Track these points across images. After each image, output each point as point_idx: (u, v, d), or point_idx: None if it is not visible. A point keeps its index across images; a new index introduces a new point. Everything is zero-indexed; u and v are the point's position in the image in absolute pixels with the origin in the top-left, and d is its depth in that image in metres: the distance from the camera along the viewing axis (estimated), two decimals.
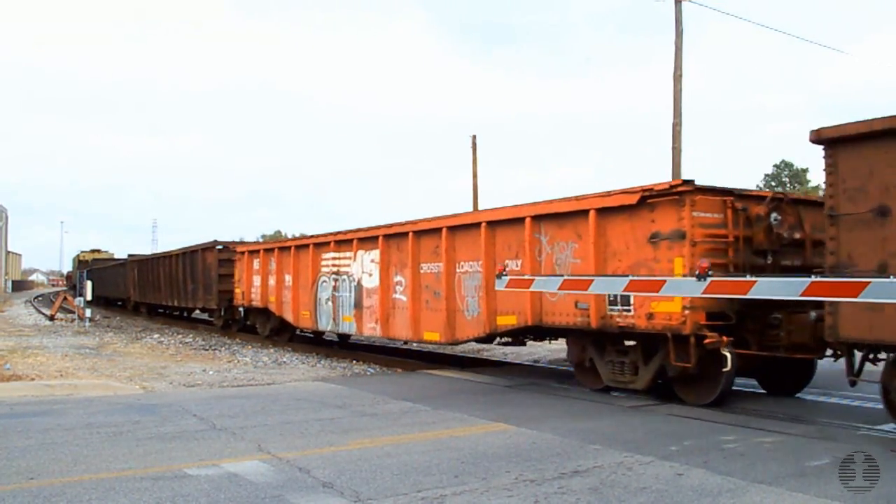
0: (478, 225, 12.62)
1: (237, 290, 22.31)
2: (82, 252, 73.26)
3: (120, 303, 46.72)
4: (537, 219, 11.52)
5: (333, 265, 16.95)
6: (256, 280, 20.83)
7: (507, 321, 12.08)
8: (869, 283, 5.99)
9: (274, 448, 7.31)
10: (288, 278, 19.00)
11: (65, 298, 35.73)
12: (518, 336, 13.19)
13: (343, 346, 19.64)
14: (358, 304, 15.89)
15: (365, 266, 15.72)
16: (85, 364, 15.70)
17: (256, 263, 20.94)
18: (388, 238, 15.05)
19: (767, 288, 6.84)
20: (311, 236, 18.48)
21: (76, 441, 7.69)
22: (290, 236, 35.33)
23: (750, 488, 5.79)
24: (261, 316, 21.29)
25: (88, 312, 29.04)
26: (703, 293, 7.17)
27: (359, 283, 15.94)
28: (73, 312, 31.59)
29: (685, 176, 24.10)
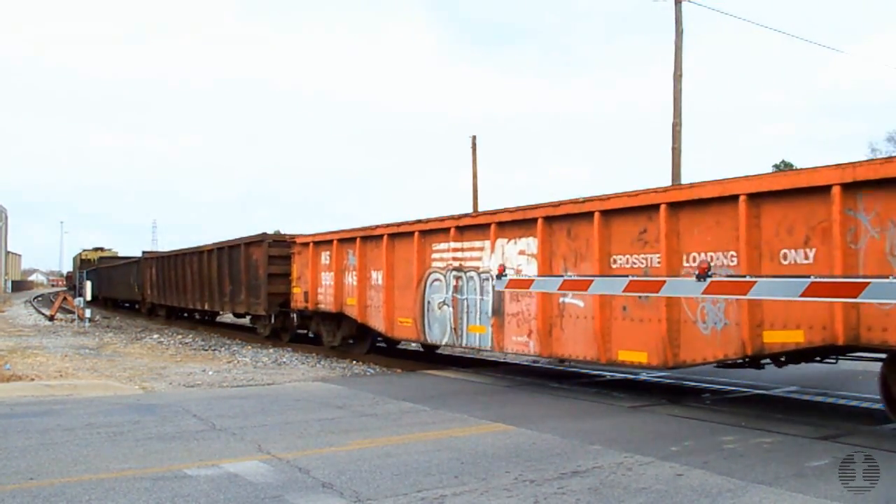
0: (728, 199, 8.88)
1: (296, 291, 18.78)
2: (84, 251, 69.51)
3: (129, 304, 42.95)
4: (852, 188, 7.77)
5: (454, 258, 13.24)
6: (326, 278, 17.23)
7: (785, 338, 8.46)
8: (869, 283, 5.99)
9: (274, 448, 7.31)
10: (376, 276, 15.37)
11: (64, 298, 35.72)
12: (802, 358, 9.41)
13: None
14: (497, 311, 12.15)
15: (510, 259, 12.08)
16: (85, 364, 15.69)
17: (326, 257, 17.30)
18: (552, 221, 11.33)
19: (767, 288, 6.84)
20: (416, 221, 14.29)
21: (76, 441, 7.69)
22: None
23: (750, 488, 5.79)
24: (328, 322, 17.91)
25: (88, 313, 29.03)
26: (703, 293, 7.17)
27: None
28: (73, 313, 31.58)
29: (685, 176, 24.09)
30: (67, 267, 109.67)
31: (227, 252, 22.60)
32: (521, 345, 11.82)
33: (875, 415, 9.27)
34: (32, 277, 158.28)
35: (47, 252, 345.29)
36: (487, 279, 12.42)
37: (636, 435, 7.91)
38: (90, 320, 29.53)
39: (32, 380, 13.03)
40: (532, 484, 5.97)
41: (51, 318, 32.21)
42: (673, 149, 23.31)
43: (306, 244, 18.27)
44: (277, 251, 19.70)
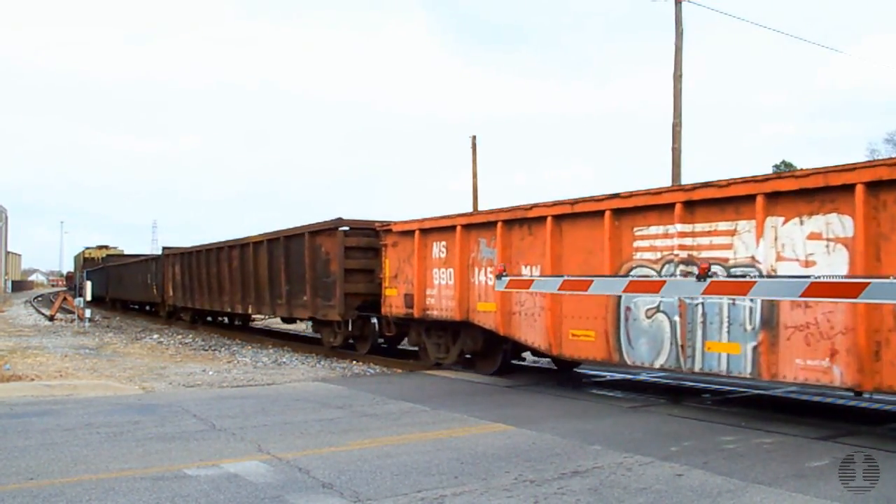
0: None
1: (390, 293, 14.95)
2: (87, 249, 65.16)
3: (139, 307, 38.85)
4: None
5: (679, 246, 9.60)
6: (441, 276, 13.47)
7: None
8: (869, 283, 5.98)
9: (274, 448, 7.30)
10: (530, 272, 11.63)
11: (64, 299, 35.72)
12: None
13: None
14: (767, 321, 8.53)
15: (791, 246, 8.48)
16: (85, 364, 15.69)
17: (441, 249, 13.58)
18: (882, 189, 7.70)
19: (767, 289, 6.84)
20: (608, 197, 10.48)
21: (76, 441, 7.69)
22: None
23: (750, 489, 5.79)
24: (439, 333, 14.14)
25: (88, 313, 29.02)
26: (703, 293, 7.16)
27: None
28: (73, 313, 31.57)
29: (686, 176, 24.01)
30: (67, 267, 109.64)
31: (283, 244, 18.55)
32: (814, 371, 8.11)
33: (875, 415, 9.28)
34: (32, 277, 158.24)
35: (47, 252, 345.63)
36: (744, 275, 8.81)
37: (636, 435, 7.91)
38: (90, 320, 29.52)
39: (32, 380, 13.03)
40: (532, 484, 5.97)
41: (51, 318, 32.21)
42: (673, 149, 23.30)
43: (408, 233, 14.34)
44: (357, 241, 16.19)
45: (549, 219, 11.21)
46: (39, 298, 67.33)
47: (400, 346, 17.81)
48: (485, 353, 13.17)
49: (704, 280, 6.96)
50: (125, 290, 39.88)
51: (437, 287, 13.78)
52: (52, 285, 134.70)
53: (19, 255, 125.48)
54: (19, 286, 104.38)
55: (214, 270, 23.90)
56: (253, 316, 23.27)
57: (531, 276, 11.48)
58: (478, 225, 12.78)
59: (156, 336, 24.53)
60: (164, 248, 31.34)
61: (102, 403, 10.27)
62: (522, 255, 11.89)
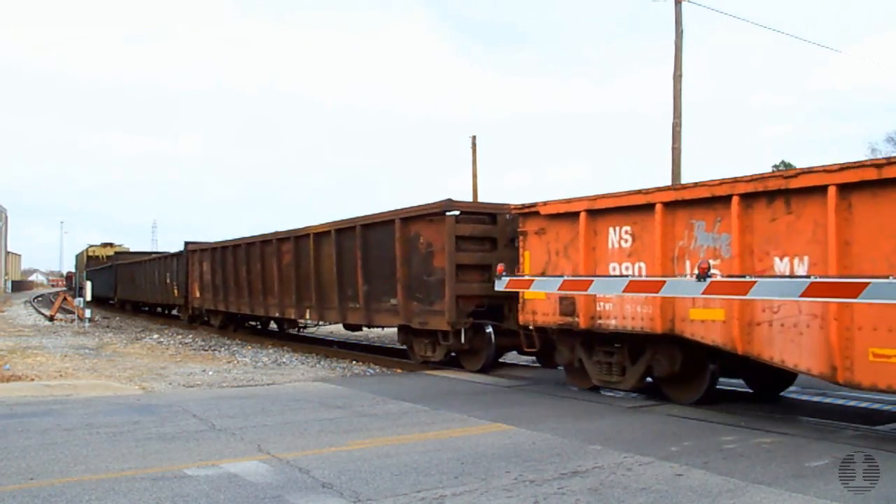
0: None
1: (532, 297, 11.38)
2: (91, 246, 60.82)
3: (151, 308, 36.22)
4: None
5: None
6: (623, 272, 10.23)
7: None
8: (869, 283, 5.98)
9: (274, 448, 7.30)
10: (787, 267, 8.55)
11: (64, 299, 35.73)
12: None
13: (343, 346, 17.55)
14: None
15: None
16: (84, 364, 15.69)
17: (620, 236, 10.29)
18: None
19: (767, 288, 6.82)
20: None
21: (76, 441, 7.69)
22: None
23: (750, 489, 5.79)
24: (609, 350, 10.70)
25: (88, 313, 29.01)
26: (703, 293, 7.14)
27: None
28: (73, 313, 31.55)
29: (685, 176, 23.91)
30: (67, 267, 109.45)
31: (360, 234, 15.22)
32: None
33: (875, 415, 9.27)
34: (32, 277, 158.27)
35: (47, 252, 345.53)
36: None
37: (636, 435, 7.91)
38: (90, 320, 29.52)
39: (32, 380, 13.03)
40: (532, 484, 5.97)
41: (51, 319, 32.21)
42: (673, 149, 23.30)
43: (565, 216, 10.90)
44: (471, 229, 13.12)
45: (831, 189, 8.01)
46: (39, 298, 67.34)
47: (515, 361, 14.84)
48: (682, 375, 9.94)
49: (704, 280, 6.95)
50: (137, 290, 36.37)
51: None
52: (52, 285, 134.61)
53: (19, 255, 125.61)
54: (19, 286, 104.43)
55: (257, 268, 20.40)
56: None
57: (782, 270, 8.60)
58: (692, 202, 9.45)
59: (156, 336, 24.52)
60: (187, 243, 27.27)
61: (102, 403, 10.26)
62: (774, 241, 8.67)
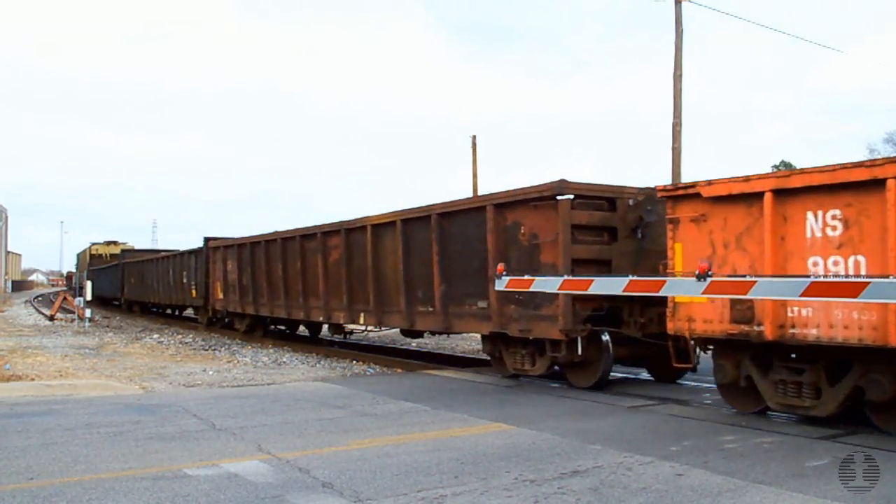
0: None
1: (690, 300, 8.99)
2: (94, 244, 57.08)
3: (161, 310, 34.33)
4: None
5: None
6: (829, 269, 8.06)
7: None
8: (869, 283, 5.97)
9: (274, 448, 7.30)
10: None
11: (65, 298, 35.72)
12: None
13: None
14: None
15: None
16: (85, 364, 15.69)
17: (825, 223, 8.16)
18: None
19: (767, 288, 6.82)
20: None
21: (76, 441, 7.69)
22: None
23: (750, 488, 5.79)
24: (798, 369, 8.52)
25: (88, 312, 29.01)
26: (703, 293, 7.13)
27: None
28: (73, 312, 31.55)
29: (685, 176, 23.91)
30: (68, 267, 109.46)
31: (436, 224, 12.91)
32: None
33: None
34: (32, 277, 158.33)
35: (47, 252, 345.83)
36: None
37: (636, 435, 7.91)
38: (90, 320, 29.52)
39: (32, 380, 13.03)
40: (532, 484, 5.97)
41: (51, 318, 32.22)
42: (673, 148, 23.31)
43: (740, 198, 8.86)
44: (587, 216, 10.98)
45: None
46: (39, 298, 67.35)
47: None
48: None
49: (704, 280, 6.94)
50: (147, 290, 33.71)
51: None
52: (52, 285, 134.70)
53: (19, 255, 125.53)
54: (19, 286, 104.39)
55: (296, 266, 17.97)
56: (348, 327, 17.26)
57: None
58: None
59: (156, 336, 24.53)
60: (207, 239, 24.76)
61: (102, 403, 10.27)
62: None
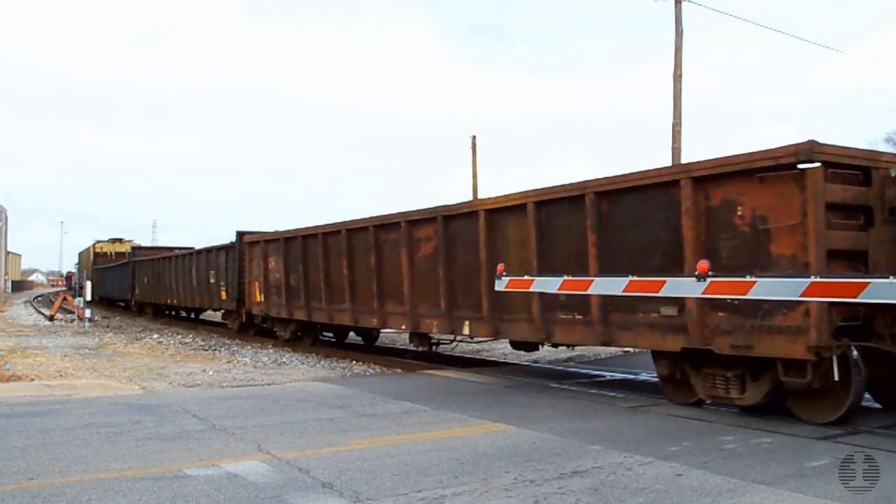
0: None
1: None
2: (98, 242, 53.38)
3: (177, 312, 32.02)
4: None
5: None
6: None
7: None
8: (869, 283, 5.98)
9: (274, 448, 7.30)
10: None
11: (64, 298, 35.72)
12: None
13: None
14: None
15: None
16: (84, 364, 15.69)
17: None
18: None
19: (767, 288, 6.82)
20: None
21: (76, 441, 7.69)
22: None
23: (750, 489, 5.79)
24: None
25: (88, 313, 29.01)
26: (703, 293, 7.13)
27: None
28: (73, 313, 31.54)
29: None
30: (68, 267, 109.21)
31: (594, 206, 10.14)
32: None
33: (874, 415, 9.26)
34: (32, 277, 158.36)
35: (47, 252, 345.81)
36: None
37: (636, 435, 7.91)
38: (90, 320, 29.51)
39: (32, 380, 13.03)
40: (532, 484, 5.97)
41: (51, 318, 32.22)
42: (673, 149, 23.28)
43: None
44: (842, 193, 8.20)
45: None
46: (39, 298, 67.35)
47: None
48: None
49: (704, 280, 6.93)
50: (164, 291, 30.69)
51: None
52: (52, 285, 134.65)
53: (19, 255, 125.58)
54: (19, 286, 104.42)
55: (368, 263, 15.06)
56: (443, 336, 14.38)
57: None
58: None
59: (156, 336, 24.53)
60: (240, 233, 22.09)
61: (102, 403, 10.27)
62: None
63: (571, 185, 10.63)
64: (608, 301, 9.98)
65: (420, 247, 13.73)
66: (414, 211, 13.96)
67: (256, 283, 20.55)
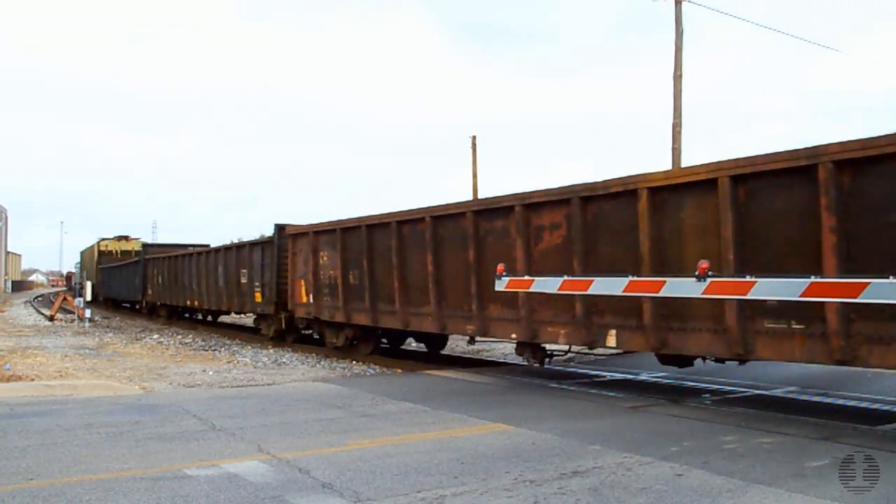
0: None
1: None
2: (104, 240, 50.06)
3: (193, 315, 29.92)
4: None
5: None
6: None
7: None
8: (869, 283, 5.98)
9: (274, 448, 7.30)
10: None
11: (65, 299, 35.72)
12: None
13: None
14: None
15: None
16: (84, 364, 15.69)
17: None
18: None
19: (767, 288, 6.82)
20: None
21: (76, 441, 7.69)
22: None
23: (750, 489, 5.79)
24: None
25: (88, 313, 29.00)
26: (703, 293, 7.14)
27: None
28: (73, 313, 31.53)
29: None
30: (68, 267, 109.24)
31: (834, 178, 7.86)
32: None
33: (875, 415, 9.27)
34: (32, 277, 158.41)
35: (47, 252, 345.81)
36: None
37: (636, 435, 7.91)
38: (90, 320, 29.51)
39: (32, 380, 13.03)
40: (532, 484, 5.97)
41: (51, 319, 32.22)
42: (673, 149, 23.29)
43: None
44: None
45: None
46: (39, 298, 67.36)
47: None
48: None
49: (704, 280, 6.93)
50: (183, 292, 28.16)
51: None
52: (52, 285, 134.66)
53: (19, 255, 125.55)
54: (19, 286, 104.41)
55: (466, 257, 12.57)
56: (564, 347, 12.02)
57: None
58: None
59: (156, 336, 24.53)
60: (280, 226, 19.49)
61: (102, 403, 10.27)
62: None
63: (794, 152, 8.35)
64: (851, 306, 7.65)
65: (542, 236, 11.34)
66: (533, 192, 11.49)
67: (302, 282, 17.93)
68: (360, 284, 15.56)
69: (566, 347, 11.97)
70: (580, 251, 10.63)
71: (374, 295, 15.14)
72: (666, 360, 10.87)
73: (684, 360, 10.71)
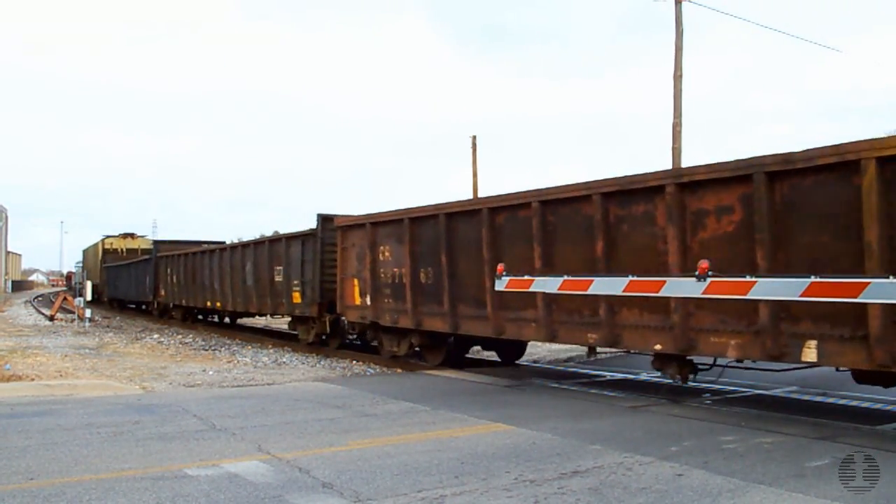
0: None
1: None
2: (108, 238, 46.75)
3: (207, 317, 28.04)
4: None
5: None
6: None
7: None
8: (869, 283, 5.98)
9: (274, 448, 7.30)
10: None
11: (65, 298, 35.72)
12: None
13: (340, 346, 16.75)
14: None
15: None
16: (85, 364, 15.69)
17: None
18: None
19: (767, 288, 6.82)
20: None
21: (76, 441, 7.69)
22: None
23: (750, 489, 5.79)
24: None
25: (88, 313, 29.00)
26: (703, 293, 7.14)
27: None
28: (73, 313, 31.54)
29: None
30: (68, 266, 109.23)
31: None
32: None
33: (875, 415, 9.28)
34: (33, 277, 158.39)
35: (47, 252, 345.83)
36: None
37: (636, 435, 7.91)
38: (90, 320, 29.51)
39: (32, 380, 13.03)
40: (532, 484, 5.97)
41: (51, 318, 32.22)
42: (673, 149, 23.29)
43: None
44: None
45: None
46: (39, 298, 67.35)
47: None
48: None
49: (704, 280, 6.93)
50: (202, 292, 25.62)
51: None
52: (53, 285, 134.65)
53: (19, 255, 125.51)
54: (19, 286, 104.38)
55: (589, 251, 10.47)
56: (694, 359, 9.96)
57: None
58: None
59: (156, 336, 24.53)
60: (324, 217, 17.18)
61: (102, 403, 10.27)
62: None
63: None
64: None
65: (705, 223, 9.19)
66: (693, 168, 9.54)
67: (355, 281, 15.61)
68: (435, 284, 13.32)
69: (710, 360, 9.83)
70: (767, 240, 8.43)
71: (454, 296, 12.89)
72: (861, 378, 8.60)
73: (886, 378, 8.19)
